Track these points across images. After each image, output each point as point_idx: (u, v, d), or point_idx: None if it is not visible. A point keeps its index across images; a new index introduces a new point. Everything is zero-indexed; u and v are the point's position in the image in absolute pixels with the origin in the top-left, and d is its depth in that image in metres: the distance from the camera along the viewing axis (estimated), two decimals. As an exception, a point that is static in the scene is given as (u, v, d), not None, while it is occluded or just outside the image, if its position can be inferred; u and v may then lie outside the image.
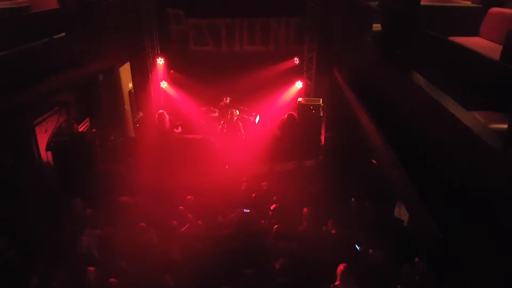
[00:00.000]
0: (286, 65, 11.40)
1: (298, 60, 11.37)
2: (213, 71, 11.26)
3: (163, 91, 11.85)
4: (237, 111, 11.23)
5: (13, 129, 7.03)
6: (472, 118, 3.13)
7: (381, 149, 4.77)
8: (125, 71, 11.33)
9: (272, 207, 7.28)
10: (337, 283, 5.19)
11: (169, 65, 11.72)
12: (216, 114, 11.39)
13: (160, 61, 11.43)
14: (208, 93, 11.74)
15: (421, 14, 4.77)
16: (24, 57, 6.35)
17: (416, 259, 5.35)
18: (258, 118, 11.43)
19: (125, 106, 11.47)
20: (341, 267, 5.22)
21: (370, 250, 5.98)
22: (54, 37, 7.22)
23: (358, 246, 6.17)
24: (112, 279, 5.27)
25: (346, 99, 7.25)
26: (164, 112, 10.06)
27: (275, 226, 6.46)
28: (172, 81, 11.88)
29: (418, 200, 3.47)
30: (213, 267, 5.63)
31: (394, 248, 5.83)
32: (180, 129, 10.41)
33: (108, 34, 9.00)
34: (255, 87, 11.34)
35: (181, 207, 7.20)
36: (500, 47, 3.51)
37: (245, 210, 6.95)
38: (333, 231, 6.45)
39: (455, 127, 3.18)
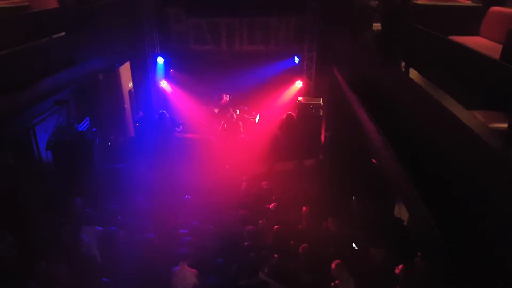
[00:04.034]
0: (286, 64, 11.41)
1: (298, 59, 11.37)
2: (213, 70, 11.27)
3: (163, 90, 11.85)
4: (237, 110, 11.24)
5: (13, 129, 7.02)
6: (472, 118, 3.13)
7: (381, 149, 4.77)
8: (125, 70, 11.32)
9: (271, 206, 7.28)
10: (337, 281, 5.20)
11: (169, 64, 11.73)
12: (216, 111, 11.40)
13: (160, 60, 11.44)
14: (208, 92, 11.75)
15: (421, 13, 4.77)
16: (24, 56, 6.34)
17: (416, 259, 5.35)
18: (258, 117, 11.43)
19: (125, 106, 11.46)
20: (336, 263, 5.24)
21: (370, 249, 5.98)
22: (54, 36, 7.22)
23: (357, 245, 6.17)
24: None
25: (346, 98, 7.24)
26: (165, 111, 10.07)
27: (275, 227, 6.46)
28: (172, 80, 11.88)
29: (418, 200, 3.46)
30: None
31: (394, 247, 5.83)
32: (180, 128, 10.43)
33: (108, 33, 8.99)
34: (255, 86, 11.35)
35: None
36: (500, 47, 3.51)
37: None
38: (333, 229, 6.46)
39: (455, 127, 3.18)
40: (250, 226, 6.58)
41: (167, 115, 10.03)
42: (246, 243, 6.20)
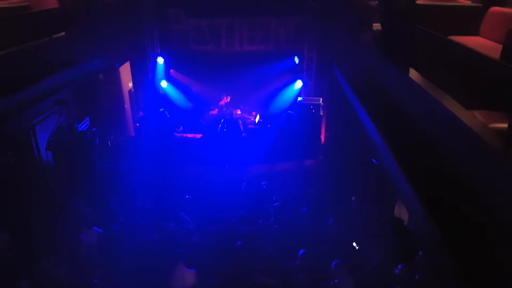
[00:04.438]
0: (286, 64, 11.41)
1: (298, 59, 11.37)
2: (213, 70, 11.27)
3: (163, 90, 11.86)
4: (238, 110, 11.26)
5: (13, 129, 7.02)
6: (472, 118, 3.13)
7: (381, 149, 4.77)
8: (125, 70, 11.33)
9: (273, 206, 7.29)
10: (335, 281, 5.21)
11: (169, 64, 11.73)
12: (216, 111, 11.42)
13: (160, 60, 11.44)
14: (208, 92, 11.76)
15: (421, 13, 4.77)
16: (24, 56, 6.34)
17: (416, 259, 5.34)
18: (258, 117, 11.43)
19: (125, 105, 11.47)
20: (335, 262, 5.24)
21: (370, 249, 5.99)
22: (54, 36, 7.22)
23: (357, 245, 6.17)
24: None
25: (346, 98, 7.24)
26: (165, 111, 10.09)
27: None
28: (172, 80, 11.88)
29: (418, 200, 3.46)
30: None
31: (393, 247, 5.83)
32: (181, 128, 10.44)
33: (108, 33, 8.99)
34: (255, 86, 11.36)
35: None
36: (500, 47, 3.50)
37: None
38: (333, 230, 6.46)
39: (455, 126, 3.18)
40: (245, 226, 6.59)
41: (167, 114, 10.04)
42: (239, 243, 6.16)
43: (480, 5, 4.93)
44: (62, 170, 7.77)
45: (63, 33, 7.42)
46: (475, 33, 4.57)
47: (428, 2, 5.26)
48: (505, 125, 2.71)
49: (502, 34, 3.54)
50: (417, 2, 5.16)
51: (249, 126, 11.16)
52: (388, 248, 5.82)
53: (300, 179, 9.28)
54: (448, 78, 4.07)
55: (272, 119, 11.37)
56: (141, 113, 11.27)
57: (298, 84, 11.37)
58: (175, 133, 10.41)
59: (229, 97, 11.32)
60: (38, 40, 6.78)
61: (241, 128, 10.38)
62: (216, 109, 11.41)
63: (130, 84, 11.78)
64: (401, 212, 7.04)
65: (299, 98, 10.76)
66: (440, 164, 3.58)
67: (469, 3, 5.29)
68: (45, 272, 5.42)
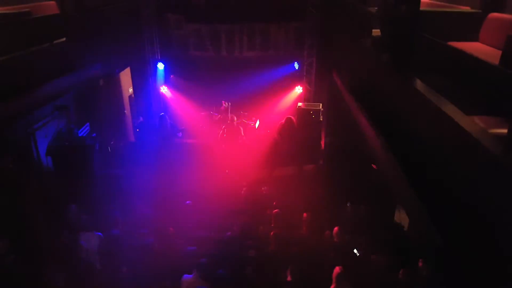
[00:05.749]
0: (285, 70, 11.45)
1: (298, 65, 11.41)
2: (213, 76, 11.30)
3: (163, 96, 11.87)
4: (235, 117, 11.26)
5: (13, 134, 7.03)
6: (472, 123, 3.13)
7: (380, 154, 4.77)
8: (125, 76, 11.35)
9: (273, 212, 7.26)
10: (332, 286, 5.16)
11: (169, 70, 11.76)
12: (216, 116, 11.41)
13: (161, 66, 11.47)
14: (208, 98, 11.78)
15: (421, 19, 4.78)
16: (25, 62, 6.36)
17: (419, 264, 5.32)
18: (258, 123, 11.44)
19: (125, 111, 11.48)
20: (337, 269, 5.19)
21: (370, 255, 5.96)
22: (55, 42, 7.24)
23: (358, 251, 6.15)
24: None
25: (346, 104, 7.25)
26: (165, 116, 10.09)
27: (272, 232, 6.43)
28: (172, 86, 11.91)
29: (418, 205, 3.46)
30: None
31: (394, 253, 5.81)
32: (181, 134, 10.44)
33: (108, 39, 9.02)
34: (255, 92, 11.37)
35: None
36: (499, 52, 3.51)
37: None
38: (336, 238, 6.42)
39: (455, 132, 3.18)
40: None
41: (168, 119, 10.05)
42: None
43: (479, 11, 4.95)
44: (62, 176, 7.76)
45: (63, 39, 7.45)
46: (475, 39, 4.59)
47: (427, 8, 5.29)
48: (505, 131, 2.71)
49: (501, 40, 3.55)
50: (416, 8, 5.18)
51: (249, 132, 11.17)
52: (389, 254, 5.80)
53: (300, 184, 9.26)
54: (447, 84, 4.08)
55: (272, 125, 11.37)
56: (141, 119, 11.27)
57: (298, 89, 11.39)
58: (176, 139, 10.41)
59: (227, 104, 11.34)
60: (39, 46, 6.80)
61: (242, 132, 10.38)
62: (217, 114, 11.42)
63: (130, 90, 11.79)
64: (401, 217, 7.03)
65: (299, 104, 10.77)
66: (440, 170, 3.58)
67: (468, 9, 5.32)
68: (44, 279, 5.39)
